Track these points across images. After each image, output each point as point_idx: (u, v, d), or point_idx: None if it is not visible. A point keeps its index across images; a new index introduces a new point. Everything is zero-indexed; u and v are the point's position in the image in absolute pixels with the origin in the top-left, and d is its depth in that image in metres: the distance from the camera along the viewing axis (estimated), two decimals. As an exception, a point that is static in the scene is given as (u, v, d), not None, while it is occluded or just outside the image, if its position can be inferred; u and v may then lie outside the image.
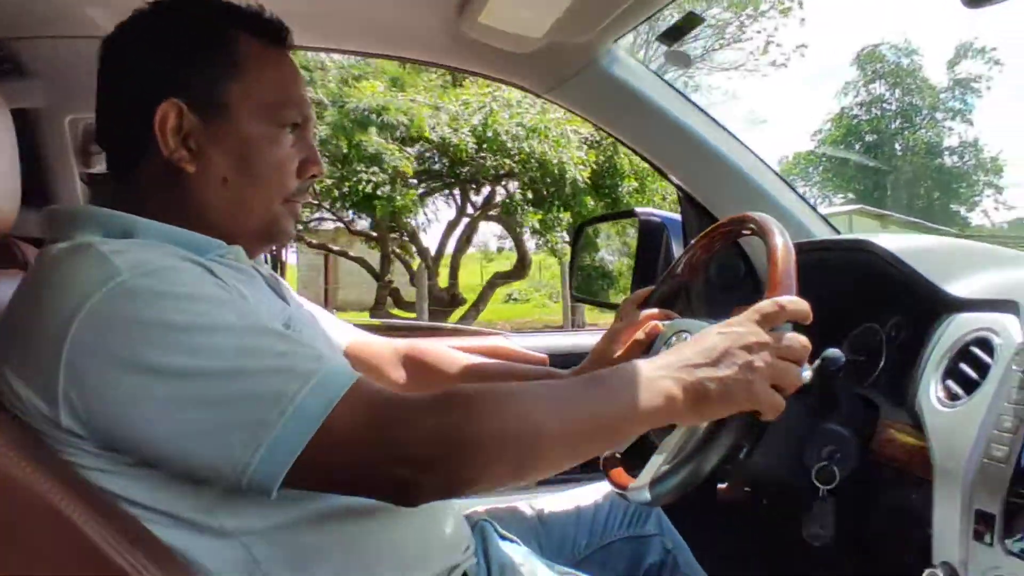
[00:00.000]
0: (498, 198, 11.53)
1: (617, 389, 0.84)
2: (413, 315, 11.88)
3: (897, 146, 36.00)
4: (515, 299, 19.32)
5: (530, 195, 10.70)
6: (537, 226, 10.82)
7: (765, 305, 0.90)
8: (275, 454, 0.72)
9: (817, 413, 1.16)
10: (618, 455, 1.14)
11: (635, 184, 11.02)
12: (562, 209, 10.64)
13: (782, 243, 1.00)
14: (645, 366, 0.85)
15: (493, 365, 1.31)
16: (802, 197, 1.64)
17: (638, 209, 1.82)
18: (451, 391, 0.79)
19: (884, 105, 36.22)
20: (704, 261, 1.26)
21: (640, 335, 1.16)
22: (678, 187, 1.70)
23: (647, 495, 0.93)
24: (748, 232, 1.12)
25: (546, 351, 1.61)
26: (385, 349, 1.30)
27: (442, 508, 1.01)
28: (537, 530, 1.26)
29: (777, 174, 1.63)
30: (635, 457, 1.14)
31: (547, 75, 1.57)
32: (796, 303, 0.89)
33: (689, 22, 1.41)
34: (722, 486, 1.33)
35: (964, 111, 35.41)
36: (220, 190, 0.93)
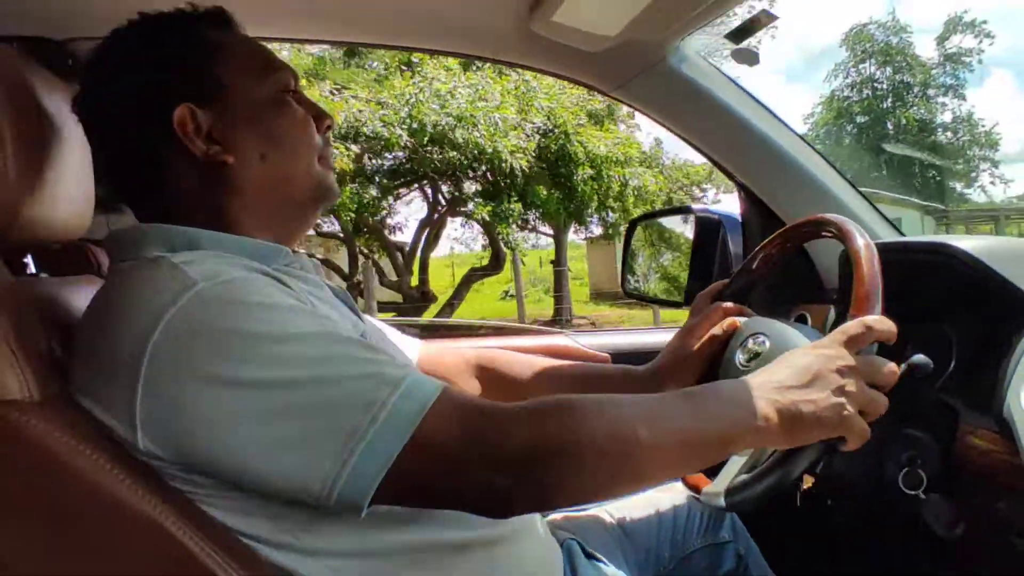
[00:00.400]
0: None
1: (713, 407, 0.83)
2: (390, 314, 11.78)
3: (889, 125, 35.56)
4: (511, 295, 19.20)
5: (482, 187, 10.53)
6: (487, 218, 10.61)
7: (852, 326, 0.89)
8: (367, 464, 0.70)
9: (898, 418, 1.15)
10: None
11: (591, 171, 10.81)
12: (514, 200, 10.46)
13: (865, 247, 0.99)
14: (740, 385, 0.85)
15: (567, 367, 1.30)
16: (869, 200, 1.63)
17: (695, 206, 1.80)
18: (547, 400, 0.78)
19: (875, 85, 35.76)
20: (777, 260, 1.25)
21: (717, 331, 1.16)
22: (742, 186, 1.70)
23: (722, 502, 0.94)
24: (828, 235, 1.11)
25: (606, 350, 1.61)
26: (456, 360, 1.29)
27: (535, 535, 1.00)
28: (621, 542, 1.24)
29: (843, 175, 1.61)
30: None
31: (615, 73, 1.57)
32: (882, 323, 0.89)
33: (758, 21, 1.39)
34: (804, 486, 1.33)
35: (957, 86, 35.10)
36: (263, 168, 0.93)
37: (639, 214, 2.54)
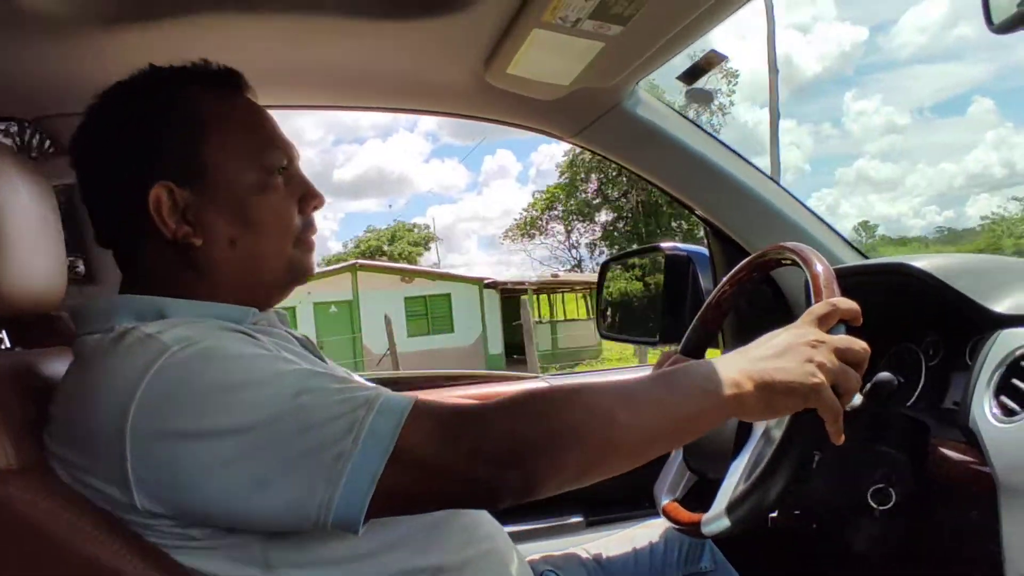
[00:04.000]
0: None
1: (685, 382, 0.85)
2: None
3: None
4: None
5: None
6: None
7: (818, 307, 0.91)
8: (357, 482, 0.72)
9: (869, 437, 1.17)
10: (678, 499, 1.16)
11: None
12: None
13: (823, 271, 1.01)
14: (712, 362, 0.86)
15: None
16: (829, 225, 1.67)
17: (664, 244, 1.84)
18: (521, 392, 0.80)
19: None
20: (733, 297, 1.27)
21: None
22: (705, 221, 1.73)
23: (725, 522, 0.94)
24: (787, 263, 1.14)
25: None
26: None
27: (510, 560, 1.01)
28: (597, 575, 1.25)
29: (803, 203, 1.66)
30: (695, 500, 1.16)
31: (572, 121, 1.61)
32: (846, 302, 0.91)
33: (710, 61, 1.45)
34: (773, 515, 1.34)
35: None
36: (231, 252, 0.93)
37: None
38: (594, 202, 34.26)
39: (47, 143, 1.50)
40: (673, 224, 32.21)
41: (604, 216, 34.52)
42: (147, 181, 0.89)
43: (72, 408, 0.82)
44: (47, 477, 0.79)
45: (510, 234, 36.56)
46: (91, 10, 1.14)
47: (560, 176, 34.81)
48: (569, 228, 35.54)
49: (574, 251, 35.35)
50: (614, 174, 32.39)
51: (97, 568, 0.75)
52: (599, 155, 1.68)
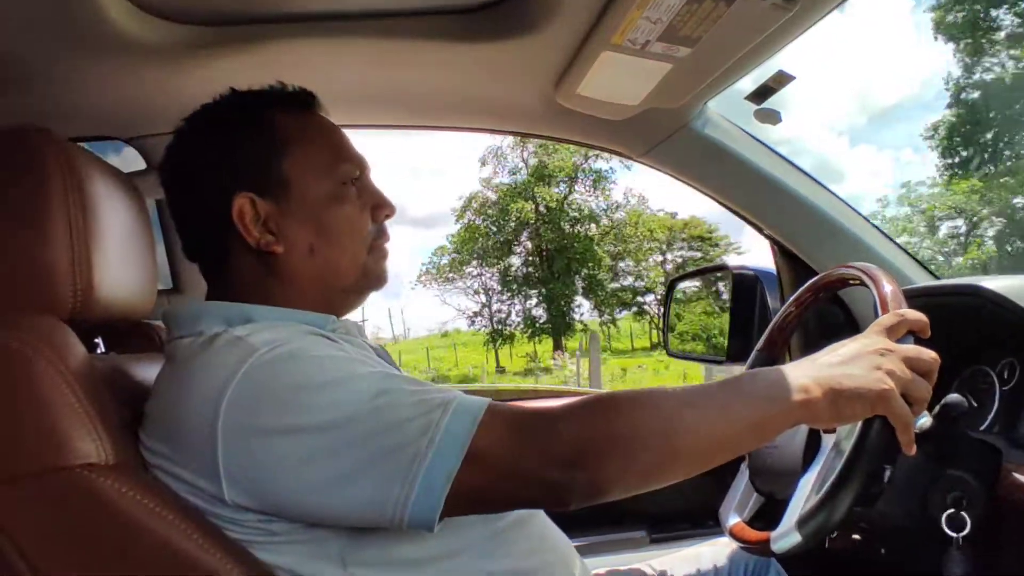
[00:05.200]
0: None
1: (752, 388, 0.85)
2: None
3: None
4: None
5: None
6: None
7: (886, 318, 0.92)
8: (432, 481, 0.76)
9: (938, 460, 1.15)
10: (745, 520, 1.16)
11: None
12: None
13: (891, 292, 1.01)
14: (779, 368, 0.87)
15: None
16: (899, 245, 1.65)
17: (731, 263, 1.84)
18: (591, 396, 0.83)
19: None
20: (798, 318, 1.27)
21: None
22: (773, 240, 1.73)
23: (796, 537, 0.94)
24: (854, 283, 1.14)
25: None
26: None
27: (575, 570, 1.03)
28: None
29: (872, 223, 1.64)
30: (761, 521, 1.16)
31: (641, 140, 1.64)
32: (914, 313, 0.91)
33: (779, 81, 1.45)
34: (831, 536, 1.32)
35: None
36: (310, 260, 0.99)
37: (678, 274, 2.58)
38: (492, 246, 33.34)
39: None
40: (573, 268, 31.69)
41: (511, 260, 33.51)
42: (231, 193, 0.96)
43: (167, 407, 0.87)
44: (140, 472, 0.85)
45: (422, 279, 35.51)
46: (182, 40, 1.23)
47: (456, 221, 33.91)
48: (474, 272, 34.39)
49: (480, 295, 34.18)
50: (508, 220, 31.92)
51: (180, 558, 0.80)
52: (668, 174, 1.69)
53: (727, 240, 32.12)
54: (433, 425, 0.77)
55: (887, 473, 0.91)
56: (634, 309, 33.31)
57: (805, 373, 0.85)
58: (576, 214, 32.56)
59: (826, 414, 0.85)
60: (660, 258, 33.35)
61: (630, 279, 33.41)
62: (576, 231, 32.43)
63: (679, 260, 32.64)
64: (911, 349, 0.88)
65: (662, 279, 31.71)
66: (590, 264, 31.82)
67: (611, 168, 32.25)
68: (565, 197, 32.24)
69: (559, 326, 31.81)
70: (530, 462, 0.78)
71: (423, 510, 0.76)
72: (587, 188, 32.97)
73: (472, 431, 0.77)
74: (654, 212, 33.54)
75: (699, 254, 31.86)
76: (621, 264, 33.16)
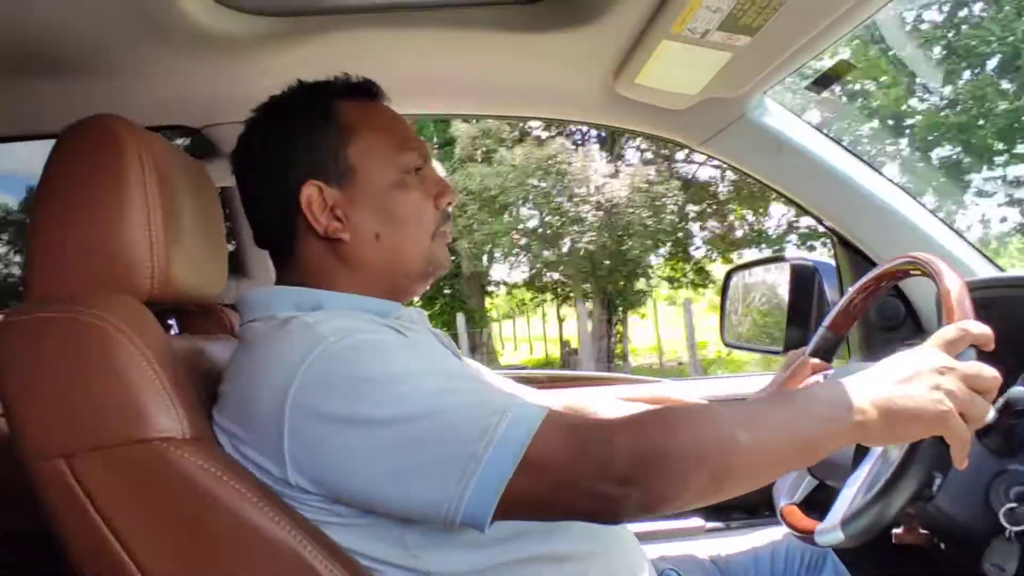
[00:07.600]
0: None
1: (807, 405, 0.85)
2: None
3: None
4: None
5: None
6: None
7: (947, 331, 0.88)
8: (486, 484, 0.77)
9: (1000, 454, 1.14)
10: (796, 503, 1.16)
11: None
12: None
13: (955, 284, 0.99)
14: (836, 385, 0.86)
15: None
16: (960, 234, 1.62)
17: (789, 256, 1.82)
18: (647, 411, 0.83)
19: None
20: (866, 303, 1.26)
21: (800, 386, 1.20)
22: (831, 231, 1.71)
23: (839, 535, 0.93)
24: (916, 273, 1.12)
25: (703, 397, 1.63)
26: (548, 404, 1.35)
27: (634, 553, 1.05)
28: None
29: (935, 214, 1.61)
30: (814, 506, 1.15)
31: (700, 129, 1.63)
32: (978, 326, 0.88)
33: (840, 69, 1.44)
34: (898, 531, 1.31)
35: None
36: (376, 246, 1.01)
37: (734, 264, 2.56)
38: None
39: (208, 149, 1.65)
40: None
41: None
42: (299, 181, 0.99)
43: (239, 387, 0.91)
44: (213, 447, 0.89)
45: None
46: (253, 31, 1.27)
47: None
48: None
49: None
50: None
51: (251, 528, 0.84)
52: (727, 164, 1.69)
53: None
54: (491, 429, 0.78)
55: (938, 481, 0.90)
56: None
57: (861, 392, 0.83)
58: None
59: (881, 435, 0.84)
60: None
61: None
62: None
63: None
64: (972, 366, 0.85)
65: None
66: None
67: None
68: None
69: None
70: (584, 475, 0.78)
71: (475, 511, 0.78)
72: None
73: (528, 440, 0.78)
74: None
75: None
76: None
